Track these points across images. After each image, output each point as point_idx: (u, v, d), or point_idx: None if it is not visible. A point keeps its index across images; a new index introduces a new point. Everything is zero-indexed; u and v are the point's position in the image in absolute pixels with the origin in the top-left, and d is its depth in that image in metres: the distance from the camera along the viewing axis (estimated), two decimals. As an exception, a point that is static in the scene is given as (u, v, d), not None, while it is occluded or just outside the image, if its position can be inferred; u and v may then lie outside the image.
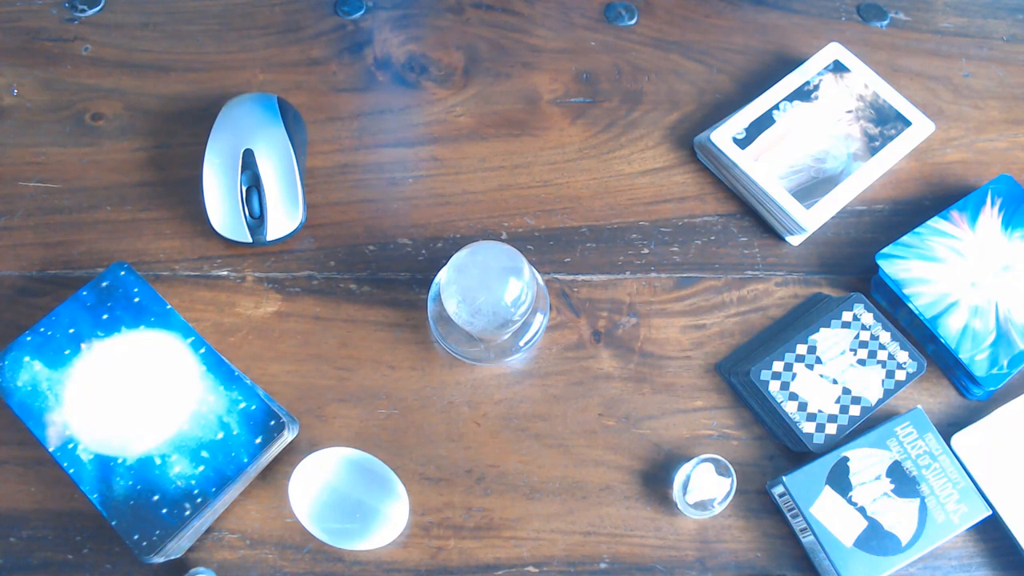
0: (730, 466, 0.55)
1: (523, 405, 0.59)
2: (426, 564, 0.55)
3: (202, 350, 0.56)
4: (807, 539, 0.54)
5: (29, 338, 0.55)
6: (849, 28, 0.72)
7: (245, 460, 0.53)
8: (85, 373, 0.55)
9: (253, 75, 0.69)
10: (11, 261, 0.62)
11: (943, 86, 0.70)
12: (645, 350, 0.61)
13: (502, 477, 0.57)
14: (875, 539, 0.53)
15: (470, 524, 0.56)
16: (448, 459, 0.58)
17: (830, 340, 0.58)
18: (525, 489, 0.57)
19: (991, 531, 0.56)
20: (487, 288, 0.52)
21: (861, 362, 0.58)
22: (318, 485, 0.54)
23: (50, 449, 0.53)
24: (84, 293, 0.57)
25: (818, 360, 0.58)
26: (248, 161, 0.61)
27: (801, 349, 0.58)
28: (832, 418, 0.57)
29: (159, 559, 0.52)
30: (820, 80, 0.66)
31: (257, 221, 0.61)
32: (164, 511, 0.52)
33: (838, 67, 0.66)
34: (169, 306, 0.57)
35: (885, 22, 0.72)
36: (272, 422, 0.54)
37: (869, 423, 0.57)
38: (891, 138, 0.64)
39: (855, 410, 0.57)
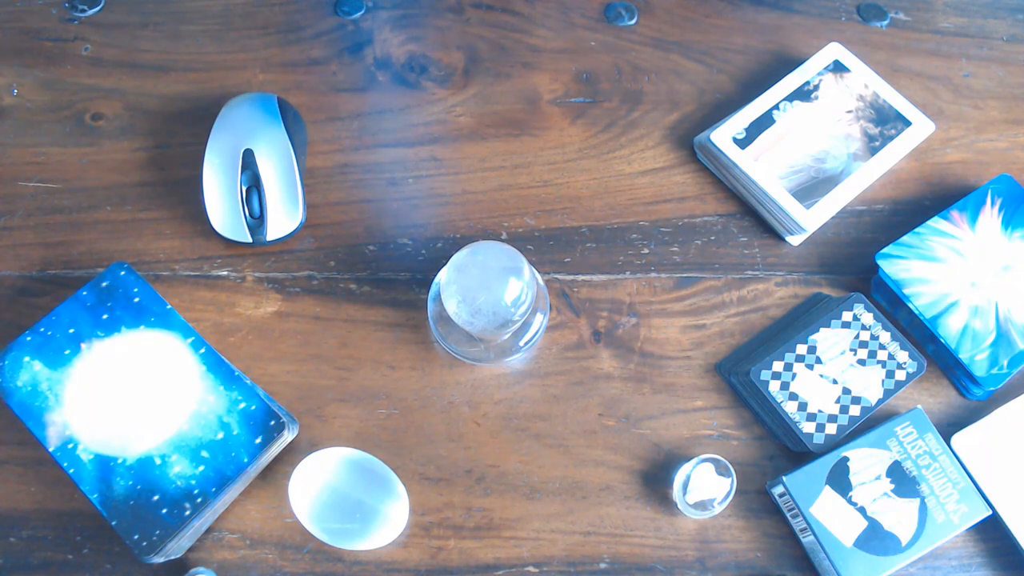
0: (730, 466, 0.55)
1: (523, 405, 0.59)
2: (426, 564, 0.55)
3: (202, 350, 0.56)
4: (807, 539, 0.54)
5: (29, 338, 0.55)
6: (849, 28, 0.72)
7: (245, 460, 0.53)
8: (85, 373, 0.55)
9: (253, 75, 0.69)
10: (11, 261, 0.62)
11: (943, 86, 0.70)
12: (645, 350, 0.61)
13: (502, 477, 0.57)
14: (875, 539, 0.53)
15: (470, 524, 0.56)
16: (448, 459, 0.58)
17: (830, 340, 0.58)
18: (525, 489, 0.57)
19: (991, 531, 0.56)
20: (487, 288, 0.52)
21: (861, 362, 0.58)
22: (318, 485, 0.54)
23: (50, 449, 0.53)
24: (84, 293, 0.57)
25: (818, 360, 0.58)
26: (248, 161, 0.61)
27: (801, 349, 0.58)
28: (832, 418, 0.57)
29: (159, 559, 0.52)
30: (820, 80, 0.66)
31: (257, 221, 0.61)
32: (164, 511, 0.52)
33: (838, 67, 0.66)
34: (169, 306, 0.57)
35: (885, 22, 0.72)
36: (272, 422, 0.54)
37: (869, 423, 0.57)
38: (891, 138, 0.64)
39: (855, 410, 0.57)
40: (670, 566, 0.55)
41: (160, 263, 0.62)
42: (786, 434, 0.57)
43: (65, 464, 0.52)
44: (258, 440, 0.54)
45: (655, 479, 0.57)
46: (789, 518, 0.56)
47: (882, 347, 0.58)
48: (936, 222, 0.61)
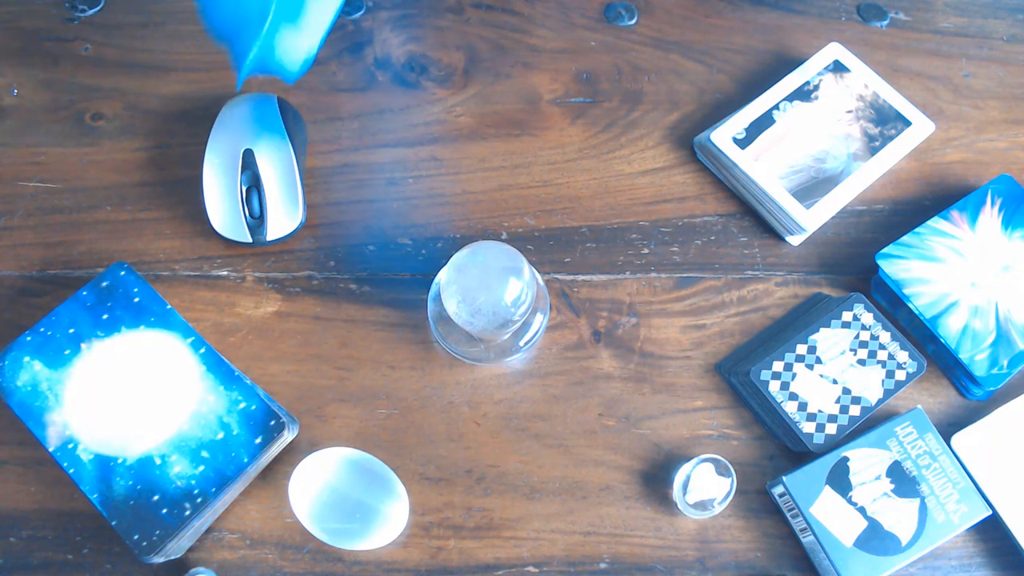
0: (730, 466, 0.55)
1: (523, 405, 0.59)
2: (426, 564, 0.55)
3: (202, 350, 0.56)
4: (807, 539, 0.54)
5: (29, 338, 0.55)
6: (849, 28, 0.72)
7: (245, 460, 0.53)
8: (85, 373, 0.55)
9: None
10: (11, 261, 0.62)
11: (943, 86, 0.70)
12: (645, 350, 0.61)
13: (502, 477, 0.57)
14: (875, 539, 0.53)
15: (470, 524, 0.56)
16: (448, 459, 0.58)
17: (830, 340, 0.58)
18: (525, 489, 0.57)
19: (991, 531, 0.56)
20: (487, 288, 0.52)
21: (861, 362, 0.58)
22: (318, 485, 0.54)
23: (50, 449, 0.53)
24: (84, 293, 0.57)
25: (818, 360, 0.58)
26: (248, 161, 0.61)
27: (801, 349, 0.58)
28: (832, 418, 0.57)
29: (159, 559, 0.52)
30: (820, 80, 0.66)
31: (257, 221, 0.61)
32: (164, 511, 0.52)
33: (838, 67, 0.66)
34: (169, 306, 0.57)
35: (885, 22, 0.72)
36: (272, 422, 0.54)
37: (869, 423, 0.57)
38: (891, 138, 0.64)
39: (855, 410, 0.57)
40: (670, 566, 0.55)
41: (160, 263, 0.62)
42: (786, 434, 0.58)
43: (65, 464, 0.52)
44: (258, 440, 0.54)
45: (655, 479, 0.57)
46: (789, 518, 0.56)
47: (882, 347, 0.58)
48: (936, 222, 0.61)
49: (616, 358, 0.60)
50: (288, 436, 0.56)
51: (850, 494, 0.54)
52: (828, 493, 0.54)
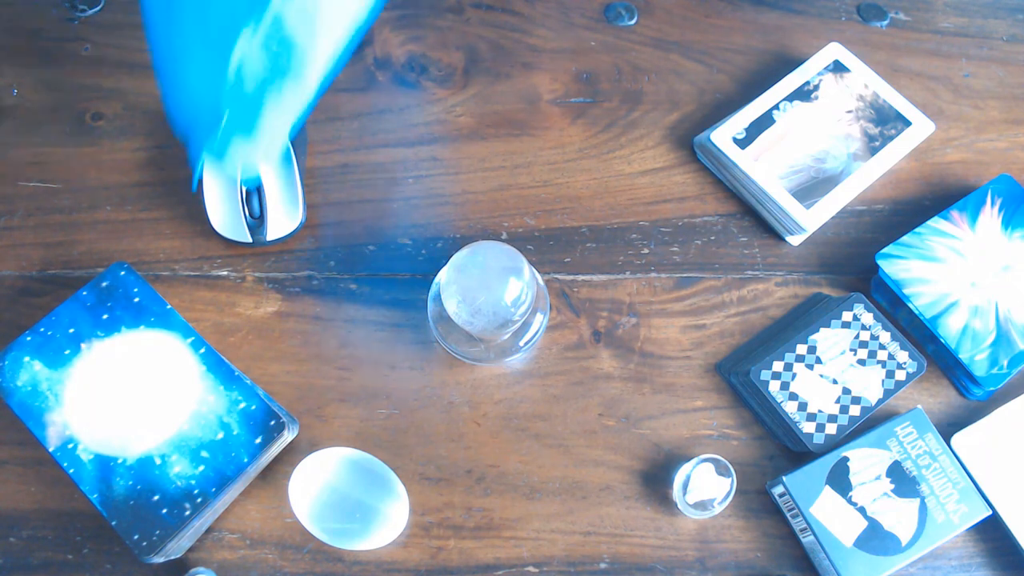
0: (730, 466, 0.55)
1: (523, 405, 0.59)
2: (426, 564, 0.55)
3: (202, 350, 0.55)
4: (807, 539, 0.54)
5: (29, 338, 0.55)
6: (849, 28, 0.72)
7: (245, 460, 0.53)
8: (85, 373, 0.55)
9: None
10: (11, 261, 0.62)
11: (943, 86, 0.70)
12: (645, 350, 0.61)
13: (502, 477, 0.57)
14: (875, 539, 0.53)
15: (470, 524, 0.56)
16: (448, 459, 0.58)
17: (830, 340, 0.58)
18: (525, 489, 0.57)
19: (991, 531, 0.56)
20: (487, 288, 0.52)
21: (861, 362, 0.58)
22: (318, 485, 0.54)
23: (50, 449, 0.53)
24: (84, 293, 0.57)
25: (818, 360, 0.58)
26: (248, 161, 0.61)
27: (801, 349, 0.58)
28: (832, 418, 0.57)
29: (159, 559, 0.52)
30: (820, 80, 0.66)
31: (257, 221, 0.61)
32: (164, 511, 0.52)
33: (838, 67, 0.66)
34: (169, 306, 0.57)
35: (885, 22, 0.72)
36: (272, 422, 0.54)
37: (869, 423, 0.57)
38: (891, 138, 0.64)
39: (855, 410, 0.57)
40: (670, 566, 0.55)
41: (160, 263, 0.62)
42: (786, 434, 0.57)
43: (65, 464, 0.52)
44: (258, 440, 0.54)
45: (655, 479, 0.57)
46: (789, 518, 0.56)
47: (882, 347, 0.58)
48: (936, 222, 0.61)
49: (616, 358, 0.60)
50: (288, 436, 0.56)
51: (850, 494, 0.54)
52: (828, 493, 0.54)
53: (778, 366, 0.58)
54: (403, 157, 0.66)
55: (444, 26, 0.71)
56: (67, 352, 0.55)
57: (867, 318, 0.59)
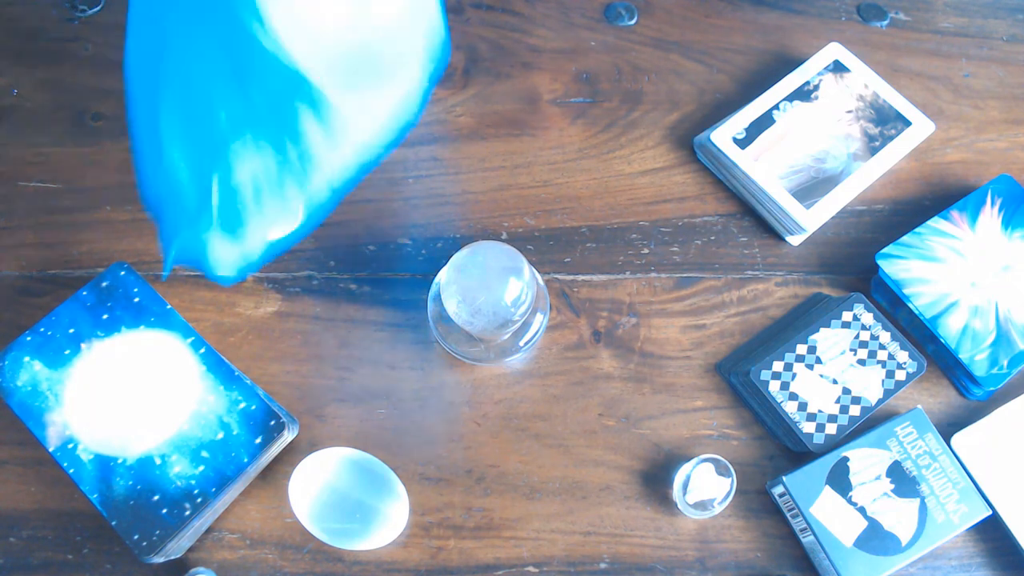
0: (730, 466, 0.55)
1: (523, 405, 0.59)
2: (426, 564, 0.55)
3: (202, 350, 0.55)
4: (807, 539, 0.54)
5: (29, 338, 0.55)
6: (849, 28, 0.72)
7: (245, 460, 0.53)
8: (85, 373, 0.55)
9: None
10: (11, 261, 0.62)
11: (943, 86, 0.70)
12: (645, 350, 0.61)
13: (502, 477, 0.57)
14: (875, 539, 0.53)
15: (470, 524, 0.56)
16: (448, 459, 0.58)
17: (830, 340, 0.58)
18: (525, 489, 0.57)
19: (991, 531, 0.56)
20: (487, 288, 0.52)
21: (861, 362, 0.58)
22: (318, 485, 0.54)
23: (50, 449, 0.53)
24: (84, 293, 0.57)
25: (818, 360, 0.58)
26: (248, 161, 0.61)
27: (801, 349, 0.58)
28: (832, 418, 0.57)
29: (159, 559, 0.52)
30: (820, 80, 0.66)
31: (257, 221, 0.61)
32: (164, 511, 0.52)
33: (838, 67, 0.66)
34: (169, 306, 0.57)
35: (885, 22, 0.72)
36: (272, 422, 0.54)
37: (869, 423, 0.57)
38: (891, 138, 0.64)
39: (855, 410, 0.57)
40: (670, 566, 0.55)
41: (160, 263, 0.62)
42: (786, 434, 0.57)
43: (65, 464, 0.52)
44: (258, 440, 0.54)
45: (655, 479, 0.57)
46: (789, 518, 0.56)
47: (882, 347, 0.58)
48: (936, 222, 0.61)
49: (616, 358, 0.60)
50: (288, 436, 0.56)
51: (850, 494, 0.54)
52: (828, 493, 0.54)
53: (778, 366, 0.58)
54: (403, 157, 0.66)
55: (444, 26, 0.71)
56: (67, 352, 0.55)
57: (867, 318, 0.59)
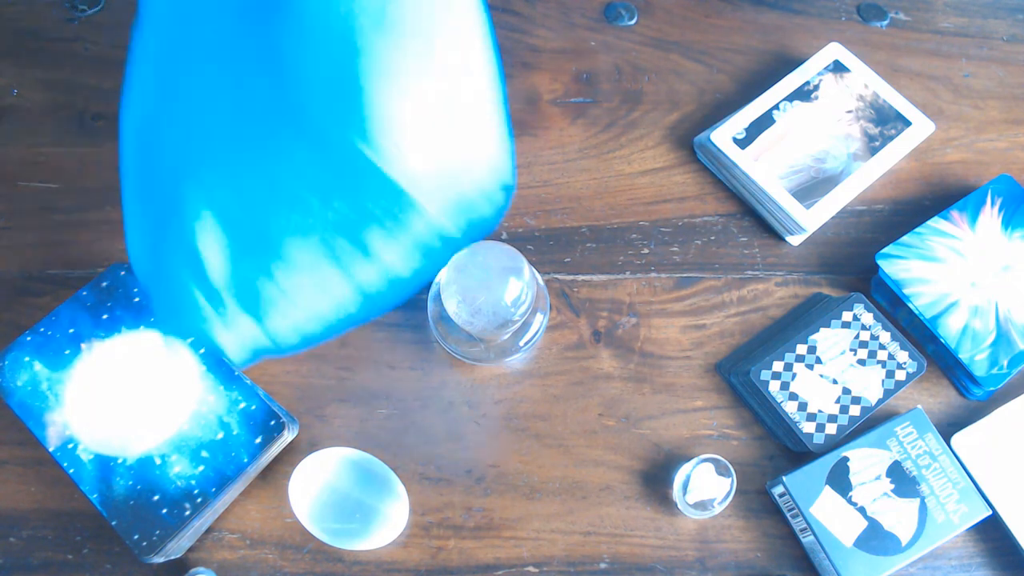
0: (730, 466, 0.55)
1: (523, 405, 0.59)
2: (426, 564, 0.55)
3: (202, 350, 0.55)
4: (807, 539, 0.54)
5: (29, 338, 0.55)
6: (849, 28, 0.72)
7: (245, 460, 0.53)
8: (85, 373, 0.55)
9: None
10: (11, 261, 0.62)
11: (943, 86, 0.70)
12: (645, 350, 0.61)
13: (502, 477, 0.57)
14: (875, 539, 0.53)
15: (470, 524, 0.56)
16: (448, 459, 0.58)
17: (830, 340, 0.58)
18: (525, 489, 0.57)
19: (991, 531, 0.56)
20: (487, 288, 0.52)
21: (861, 362, 0.58)
22: (318, 485, 0.54)
23: (50, 449, 0.53)
24: (84, 293, 0.57)
25: (818, 360, 0.58)
26: (248, 161, 0.61)
27: (801, 349, 0.58)
28: (832, 418, 0.57)
29: (159, 559, 0.52)
30: (820, 80, 0.66)
31: (257, 221, 0.61)
32: (164, 511, 0.52)
33: (838, 67, 0.66)
34: (169, 306, 0.57)
35: (885, 22, 0.72)
36: (272, 422, 0.54)
37: (869, 423, 0.57)
38: (891, 138, 0.64)
39: (855, 410, 0.57)
40: (670, 566, 0.55)
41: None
42: (786, 434, 0.57)
43: (65, 464, 0.52)
44: (258, 440, 0.54)
45: (655, 479, 0.57)
46: (789, 518, 0.56)
47: (882, 347, 0.58)
48: (936, 222, 0.61)
49: (616, 358, 0.60)
50: (288, 436, 0.56)
51: (850, 494, 0.54)
52: (828, 493, 0.54)
53: (778, 366, 0.58)
54: (403, 157, 0.66)
55: (444, 26, 0.71)
56: (67, 352, 0.55)
57: (867, 318, 0.59)
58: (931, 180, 0.66)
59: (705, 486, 0.55)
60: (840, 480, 0.54)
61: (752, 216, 0.65)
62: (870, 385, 0.58)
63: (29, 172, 0.65)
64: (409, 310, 0.61)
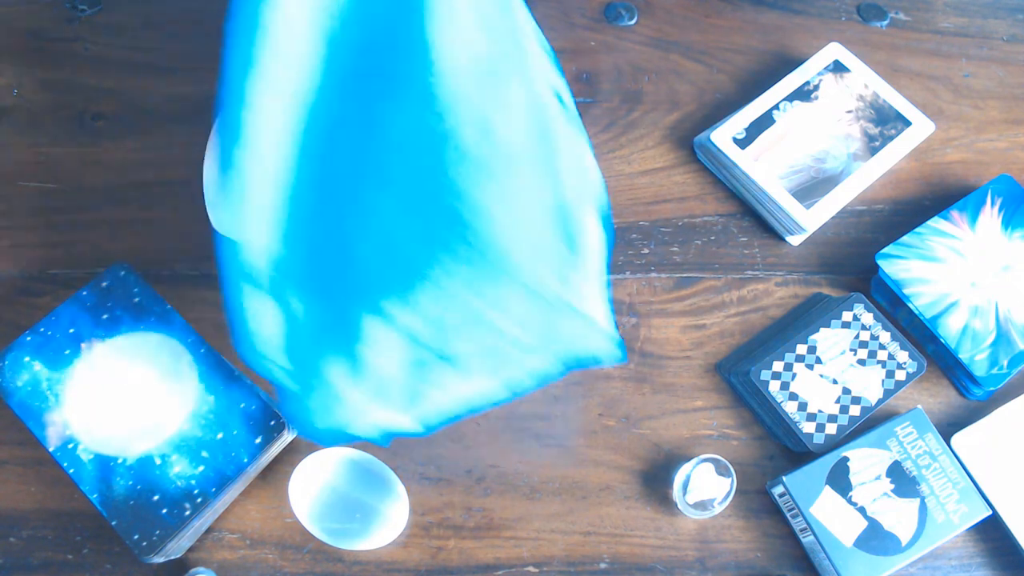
0: (730, 466, 0.55)
1: (523, 405, 0.59)
2: (426, 564, 0.55)
3: (202, 350, 0.55)
4: (807, 539, 0.54)
5: (29, 338, 0.55)
6: (849, 28, 0.72)
7: (245, 460, 0.53)
8: (85, 373, 0.55)
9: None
10: (11, 261, 0.62)
11: (943, 86, 0.70)
12: (645, 350, 0.61)
13: (502, 477, 0.57)
14: (875, 539, 0.53)
15: (470, 524, 0.56)
16: (448, 459, 0.58)
17: (830, 340, 0.58)
18: (525, 489, 0.57)
19: (991, 531, 0.56)
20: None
21: (861, 362, 0.58)
22: (318, 485, 0.54)
23: (50, 449, 0.53)
24: (84, 293, 0.57)
25: (818, 360, 0.58)
26: (248, 161, 0.61)
27: (801, 349, 0.58)
28: (832, 418, 0.57)
29: (159, 559, 0.52)
30: (820, 80, 0.66)
31: (257, 221, 0.61)
32: (164, 511, 0.52)
33: (838, 67, 0.66)
34: (169, 306, 0.57)
35: (885, 22, 0.72)
36: (272, 422, 0.54)
37: (869, 423, 0.57)
38: (891, 138, 0.64)
39: (855, 410, 0.57)
40: (670, 566, 0.55)
41: (160, 263, 0.62)
42: (786, 434, 0.57)
43: (65, 464, 0.52)
44: (258, 440, 0.54)
45: (655, 479, 0.57)
46: (789, 518, 0.56)
47: (882, 347, 0.58)
48: (936, 222, 0.61)
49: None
50: (288, 436, 0.56)
51: (850, 494, 0.54)
52: (828, 493, 0.54)
53: (778, 366, 0.58)
54: (403, 157, 0.66)
55: (444, 26, 0.71)
56: (67, 352, 0.55)
57: (867, 318, 0.59)
58: (931, 180, 0.66)
59: (705, 486, 0.55)
60: (840, 480, 0.54)
61: (752, 216, 0.65)
62: (870, 385, 0.58)
63: (29, 172, 0.65)
64: (409, 310, 0.61)
